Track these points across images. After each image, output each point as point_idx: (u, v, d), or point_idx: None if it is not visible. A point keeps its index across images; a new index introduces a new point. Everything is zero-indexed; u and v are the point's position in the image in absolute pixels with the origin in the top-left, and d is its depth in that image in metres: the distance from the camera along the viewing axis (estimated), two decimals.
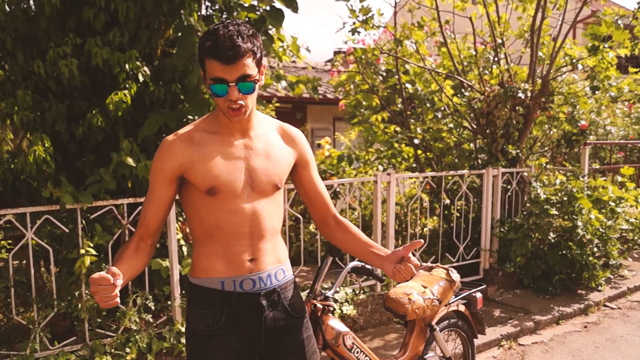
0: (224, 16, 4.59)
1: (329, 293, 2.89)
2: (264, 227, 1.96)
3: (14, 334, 3.85)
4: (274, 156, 1.99)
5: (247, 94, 1.82)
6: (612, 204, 5.91)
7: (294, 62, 5.92)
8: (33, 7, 4.03)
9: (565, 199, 5.66)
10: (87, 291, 3.69)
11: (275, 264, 2.01)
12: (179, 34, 3.86)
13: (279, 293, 2.01)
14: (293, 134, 2.09)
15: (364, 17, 5.83)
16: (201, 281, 1.96)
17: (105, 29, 3.92)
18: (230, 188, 1.89)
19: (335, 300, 4.53)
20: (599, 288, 5.84)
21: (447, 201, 6.07)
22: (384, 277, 3.23)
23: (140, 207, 3.83)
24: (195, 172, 1.88)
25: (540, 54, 6.15)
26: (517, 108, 5.83)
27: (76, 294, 3.69)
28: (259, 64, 1.85)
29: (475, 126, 6.23)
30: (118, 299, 1.67)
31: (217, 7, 4.54)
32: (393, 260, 1.95)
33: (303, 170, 2.12)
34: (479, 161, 6.18)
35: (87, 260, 3.58)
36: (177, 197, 1.99)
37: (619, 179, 7.27)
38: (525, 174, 6.08)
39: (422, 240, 1.99)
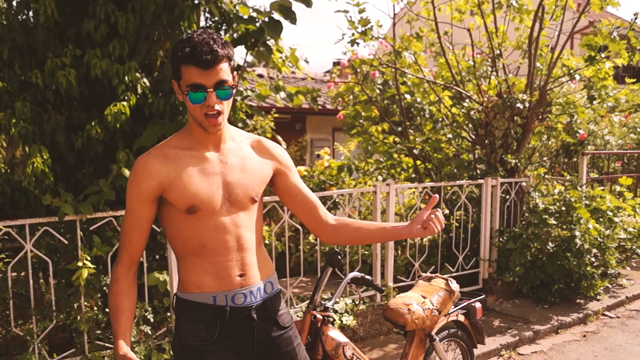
0: (223, 27, 4.62)
1: (329, 304, 2.89)
2: (249, 241, 1.96)
3: (13, 346, 3.83)
4: (249, 169, 1.98)
5: (225, 99, 1.83)
6: (610, 213, 5.92)
7: (293, 72, 5.94)
8: (32, 18, 4.05)
9: (563, 208, 5.67)
10: (86, 303, 3.69)
11: (264, 278, 2.01)
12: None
13: (269, 306, 2.02)
14: (268, 146, 2.07)
15: (363, 29, 5.86)
16: (192, 296, 1.94)
17: (105, 40, 3.93)
18: (209, 205, 1.88)
19: (335, 311, 4.52)
20: (598, 297, 5.83)
21: (446, 211, 6.07)
22: (383, 288, 3.23)
23: None
24: (174, 191, 1.86)
25: (537, 64, 6.19)
26: (515, 118, 5.85)
27: (75, 305, 3.67)
28: (232, 71, 1.87)
29: (473, 136, 6.25)
30: None
31: (216, 18, 4.57)
32: (419, 222, 1.98)
33: (284, 178, 2.10)
34: (478, 171, 6.19)
35: (85, 273, 3.57)
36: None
37: (617, 188, 7.28)
38: (524, 184, 6.09)
39: (437, 196, 2.01)
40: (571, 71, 5.96)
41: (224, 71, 1.80)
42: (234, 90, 1.89)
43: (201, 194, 1.87)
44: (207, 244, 1.90)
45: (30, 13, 4.06)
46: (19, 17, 4.02)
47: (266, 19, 3.92)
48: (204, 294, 1.92)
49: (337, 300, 4.33)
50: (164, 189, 1.87)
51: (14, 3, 4.03)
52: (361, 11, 5.84)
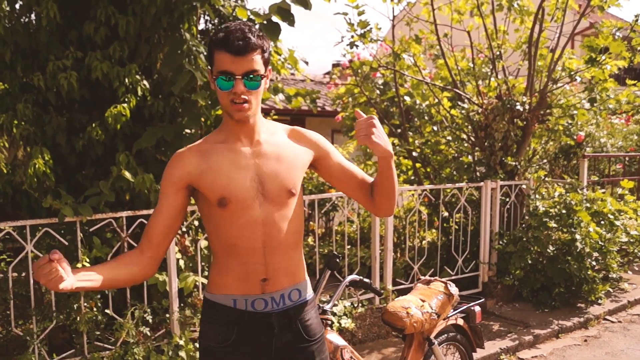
0: None
1: (327, 306, 2.89)
2: (278, 242, 1.88)
3: (13, 347, 3.84)
4: (286, 158, 1.91)
5: (252, 89, 1.80)
6: (611, 216, 5.91)
7: (292, 74, 5.95)
8: (34, 21, 4.07)
9: (564, 211, 5.67)
10: (85, 304, 3.70)
11: (291, 284, 1.93)
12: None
13: (292, 315, 1.93)
14: (304, 132, 2.02)
15: (362, 31, 5.87)
16: (215, 297, 1.93)
17: (105, 43, 3.95)
18: (239, 197, 1.83)
19: (334, 314, 4.52)
20: (599, 301, 5.82)
21: (446, 214, 6.07)
22: (382, 291, 3.23)
23: (138, 220, 3.86)
24: (204, 182, 1.84)
25: (538, 64, 6.18)
26: (515, 121, 5.85)
27: (75, 306, 3.68)
28: (266, 64, 1.84)
29: (473, 139, 6.25)
30: (66, 278, 1.56)
31: (215, 21, 4.58)
32: (359, 135, 1.86)
33: (325, 160, 2.02)
34: (478, 174, 6.20)
35: None
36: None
37: (619, 191, 7.28)
38: (524, 186, 6.09)
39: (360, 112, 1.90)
40: (572, 73, 5.96)
41: (255, 61, 1.78)
42: (266, 83, 1.86)
43: (231, 186, 1.83)
44: (236, 242, 1.86)
45: (33, 16, 4.08)
46: (22, 20, 4.05)
47: (264, 22, 3.92)
48: (225, 295, 1.90)
49: (336, 303, 4.34)
50: (194, 178, 1.86)
51: (17, 6, 4.05)
52: (360, 13, 5.85)
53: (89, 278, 1.68)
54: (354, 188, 2.05)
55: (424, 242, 6.07)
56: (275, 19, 3.92)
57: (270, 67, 1.91)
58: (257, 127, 1.90)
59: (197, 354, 3.65)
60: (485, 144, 6.02)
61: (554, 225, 5.58)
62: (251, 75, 1.78)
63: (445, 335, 3.36)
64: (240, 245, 1.86)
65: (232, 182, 1.84)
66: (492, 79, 6.21)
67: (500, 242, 5.77)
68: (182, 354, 3.86)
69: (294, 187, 1.90)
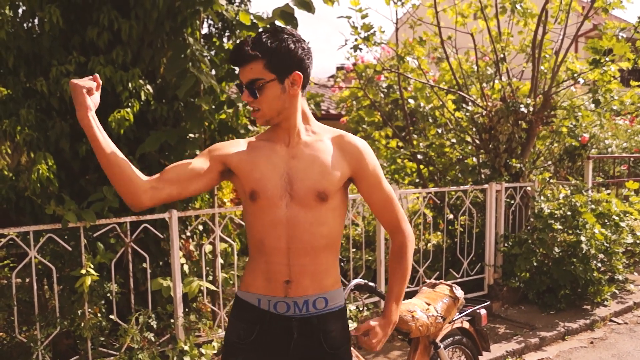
0: (226, 34, 4.63)
1: None
2: (302, 245, 1.87)
3: (17, 353, 3.83)
4: (321, 163, 1.90)
5: (253, 97, 1.86)
6: (617, 218, 5.88)
7: None
8: (37, 26, 4.07)
9: (569, 213, 5.64)
10: (89, 309, 3.69)
11: (316, 291, 1.91)
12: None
13: (315, 323, 1.91)
14: (350, 140, 1.97)
15: (366, 34, 5.86)
16: (243, 294, 1.97)
17: (108, 47, 3.95)
18: (267, 193, 1.87)
19: None
20: (605, 303, 5.79)
21: (451, 216, 6.05)
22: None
23: (142, 225, 3.85)
24: (241, 170, 1.90)
25: (542, 67, 6.17)
26: (519, 123, 5.83)
27: (79, 312, 3.68)
28: (276, 69, 1.83)
29: (478, 141, 6.23)
30: (92, 109, 1.76)
31: (219, 25, 4.58)
32: (363, 330, 1.97)
33: (360, 183, 1.98)
34: (482, 176, 6.17)
35: (89, 280, 3.57)
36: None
37: (624, 192, 7.24)
38: (529, 188, 6.07)
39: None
40: (575, 74, 5.94)
41: (253, 70, 1.83)
42: (288, 87, 1.86)
43: (262, 181, 1.88)
44: (264, 240, 1.90)
45: (36, 21, 4.08)
46: (25, 25, 4.05)
47: (267, 26, 3.92)
48: (251, 294, 1.94)
49: None
50: (232, 162, 1.92)
51: (20, 11, 4.06)
52: (364, 17, 5.84)
53: (103, 135, 1.78)
54: (378, 218, 2.09)
55: (429, 244, 6.05)
56: (278, 23, 3.91)
57: (298, 73, 1.86)
58: (295, 130, 1.93)
59: None
60: (490, 146, 6.00)
61: (559, 227, 5.55)
62: (252, 84, 1.84)
63: (451, 338, 3.34)
64: (266, 243, 1.89)
65: (264, 177, 1.88)
66: (496, 81, 6.19)
67: (506, 245, 5.75)
68: (187, 359, 3.84)
69: (324, 192, 1.88)
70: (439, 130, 6.73)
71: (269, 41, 1.82)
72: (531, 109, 5.80)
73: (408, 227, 2.04)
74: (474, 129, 6.26)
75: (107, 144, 1.78)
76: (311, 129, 1.97)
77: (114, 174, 1.79)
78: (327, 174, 1.89)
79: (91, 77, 1.80)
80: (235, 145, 1.95)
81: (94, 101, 1.78)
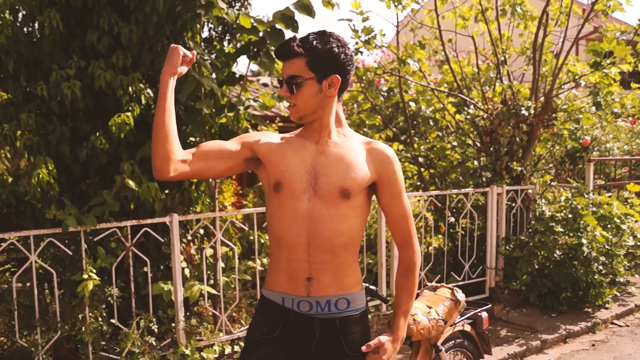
0: (226, 38, 4.63)
1: None
2: (323, 241, 1.89)
3: (17, 358, 3.83)
4: (348, 161, 1.94)
5: (289, 92, 1.91)
6: (618, 220, 5.87)
7: None
8: (37, 30, 4.08)
9: (570, 216, 5.63)
10: (90, 314, 3.68)
11: (338, 291, 1.93)
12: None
13: (337, 324, 1.93)
14: (377, 147, 2.01)
15: (366, 37, 5.87)
16: (267, 293, 2.00)
17: (108, 51, 3.95)
18: (291, 185, 1.91)
19: None
20: (606, 306, 5.78)
21: (452, 219, 6.04)
22: (388, 298, 3.21)
23: (143, 229, 3.85)
24: (268, 160, 1.95)
25: (542, 70, 6.17)
26: (520, 125, 5.83)
27: (80, 316, 3.67)
28: (317, 69, 1.89)
29: (479, 144, 6.23)
30: (176, 74, 1.89)
31: (219, 29, 4.58)
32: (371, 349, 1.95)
33: (382, 190, 2.01)
34: (483, 179, 6.17)
35: (90, 285, 3.57)
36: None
37: (625, 194, 7.23)
38: (530, 191, 6.06)
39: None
40: (576, 77, 5.94)
41: (295, 66, 1.89)
42: (326, 88, 1.91)
43: (288, 172, 1.92)
44: (283, 235, 1.92)
45: (36, 25, 4.09)
46: (25, 29, 4.05)
47: (268, 29, 3.92)
48: (276, 292, 1.97)
49: None
50: (261, 150, 1.97)
51: (20, 16, 4.06)
52: (365, 20, 5.85)
53: (171, 97, 1.87)
54: (390, 229, 2.10)
55: (430, 248, 6.04)
56: (278, 26, 3.92)
57: (337, 76, 1.92)
58: (327, 130, 1.98)
59: None
60: (491, 149, 5.99)
61: (561, 229, 5.54)
62: (291, 80, 1.90)
63: (452, 341, 3.33)
64: (287, 239, 1.91)
65: (289, 169, 1.92)
66: (497, 84, 6.19)
67: (507, 247, 5.74)
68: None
69: (347, 189, 1.91)
70: (440, 133, 6.73)
71: (315, 41, 1.89)
72: (532, 111, 5.80)
73: (417, 243, 2.09)
74: (475, 132, 6.26)
75: (170, 107, 1.86)
76: (342, 132, 2.02)
77: (161, 133, 1.85)
78: (352, 172, 1.93)
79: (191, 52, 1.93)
80: (267, 136, 2.01)
81: (180, 69, 1.91)
